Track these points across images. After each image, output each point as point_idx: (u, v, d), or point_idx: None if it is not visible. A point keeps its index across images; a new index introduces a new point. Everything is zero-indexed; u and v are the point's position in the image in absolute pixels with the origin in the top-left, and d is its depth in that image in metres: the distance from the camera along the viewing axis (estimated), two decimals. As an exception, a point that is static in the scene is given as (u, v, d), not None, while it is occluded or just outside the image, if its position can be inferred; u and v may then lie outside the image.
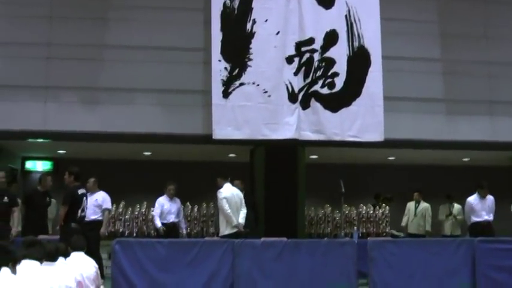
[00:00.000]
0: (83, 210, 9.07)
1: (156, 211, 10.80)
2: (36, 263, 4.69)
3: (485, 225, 10.82)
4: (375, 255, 8.61)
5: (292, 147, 11.33)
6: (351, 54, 11.26)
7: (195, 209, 12.38)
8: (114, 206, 11.67)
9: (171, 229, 10.73)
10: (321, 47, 11.14)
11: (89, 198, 9.58)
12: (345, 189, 10.43)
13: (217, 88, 10.80)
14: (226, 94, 10.82)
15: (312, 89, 11.12)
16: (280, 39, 11.03)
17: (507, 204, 11.72)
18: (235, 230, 9.50)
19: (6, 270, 3.99)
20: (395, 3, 11.74)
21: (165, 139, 11.28)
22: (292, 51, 11.06)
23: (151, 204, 11.39)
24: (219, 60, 10.84)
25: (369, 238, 10.71)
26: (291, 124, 10.94)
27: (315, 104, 11.08)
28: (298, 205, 11.46)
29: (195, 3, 11.36)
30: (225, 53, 10.86)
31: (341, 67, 11.18)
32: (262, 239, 8.91)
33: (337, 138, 11.11)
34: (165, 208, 10.78)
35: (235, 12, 11.00)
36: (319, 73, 11.15)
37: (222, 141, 10.89)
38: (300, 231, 11.36)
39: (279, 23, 11.04)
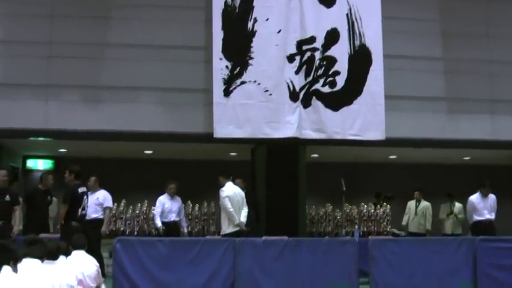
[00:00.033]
0: (83, 209, 9.06)
1: (157, 210, 10.79)
2: (37, 261, 4.69)
3: (487, 223, 10.80)
4: (375, 254, 8.60)
5: (294, 146, 11.33)
6: (352, 52, 11.26)
7: (196, 208, 12.40)
8: (115, 204, 11.68)
9: (172, 228, 10.71)
10: (322, 46, 11.14)
11: (90, 197, 9.58)
12: (346, 188, 10.42)
13: (218, 87, 10.80)
14: (227, 93, 10.82)
15: (313, 88, 11.12)
16: (282, 38, 11.03)
17: (508, 203, 11.71)
18: (237, 229, 9.51)
19: (7, 268, 3.99)
20: (397, 2, 11.74)
21: (167, 137, 11.28)
22: (294, 50, 11.06)
23: (153, 203, 11.40)
24: (220, 59, 10.84)
25: (369, 237, 10.72)
26: (292, 123, 10.94)
27: (316, 103, 11.08)
28: (299, 204, 11.47)
29: (197, 2, 11.37)
30: (226, 52, 10.87)
31: (342, 66, 11.18)
32: (264, 237, 8.91)
33: (338, 136, 11.12)
34: (166, 207, 10.76)
35: (237, 10, 11.00)
36: (320, 72, 11.15)
37: (223, 139, 10.89)
38: (301, 229, 11.36)
39: (280, 22, 11.04)
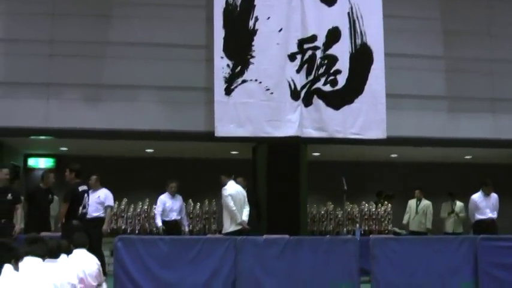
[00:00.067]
0: (84, 207, 9.05)
1: (158, 209, 10.78)
2: (38, 259, 4.70)
3: (489, 222, 10.78)
4: (377, 252, 8.60)
5: (295, 145, 11.33)
6: (354, 51, 11.25)
7: (197, 206, 12.40)
8: (117, 203, 11.68)
9: (173, 226, 10.70)
10: (324, 44, 11.14)
11: (91, 196, 9.58)
12: (347, 187, 10.43)
13: (219, 85, 10.79)
14: (228, 91, 10.82)
15: (315, 87, 11.11)
16: (283, 37, 11.02)
17: (509, 202, 11.70)
18: (239, 227, 9.53)
19: (9, 267, 4.00)
20: (398, 1, 11.75)
21: (168, 136, 11.28)
22: (295, 49, 11.05)
23: (154, 202, 11.40)
24: (221, 58, 10.84)
25: (371, 235, 10.73)
26: (293, 121, 10.94)
27: (317, 102, 11.08)
28: (301, 202, 11.47)
29: (198, 1, 11.37)
30: (227, 50, 10.86)
31: (343, 64, 11.18)
32: (265, 236, 8.92)
33: (340, 135, 11.12)
34: (167, 206, 10.75)
35: (238, 9, 11.00)
36: (321, 70, 11.15)
37: (224, 138, 10.89)
38: (302, 228, 11.36)
39: (281, 20, 11.03)
